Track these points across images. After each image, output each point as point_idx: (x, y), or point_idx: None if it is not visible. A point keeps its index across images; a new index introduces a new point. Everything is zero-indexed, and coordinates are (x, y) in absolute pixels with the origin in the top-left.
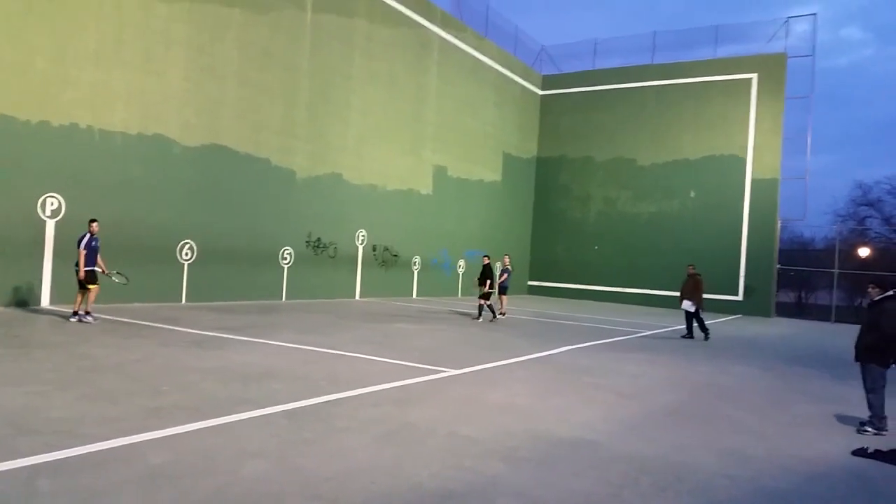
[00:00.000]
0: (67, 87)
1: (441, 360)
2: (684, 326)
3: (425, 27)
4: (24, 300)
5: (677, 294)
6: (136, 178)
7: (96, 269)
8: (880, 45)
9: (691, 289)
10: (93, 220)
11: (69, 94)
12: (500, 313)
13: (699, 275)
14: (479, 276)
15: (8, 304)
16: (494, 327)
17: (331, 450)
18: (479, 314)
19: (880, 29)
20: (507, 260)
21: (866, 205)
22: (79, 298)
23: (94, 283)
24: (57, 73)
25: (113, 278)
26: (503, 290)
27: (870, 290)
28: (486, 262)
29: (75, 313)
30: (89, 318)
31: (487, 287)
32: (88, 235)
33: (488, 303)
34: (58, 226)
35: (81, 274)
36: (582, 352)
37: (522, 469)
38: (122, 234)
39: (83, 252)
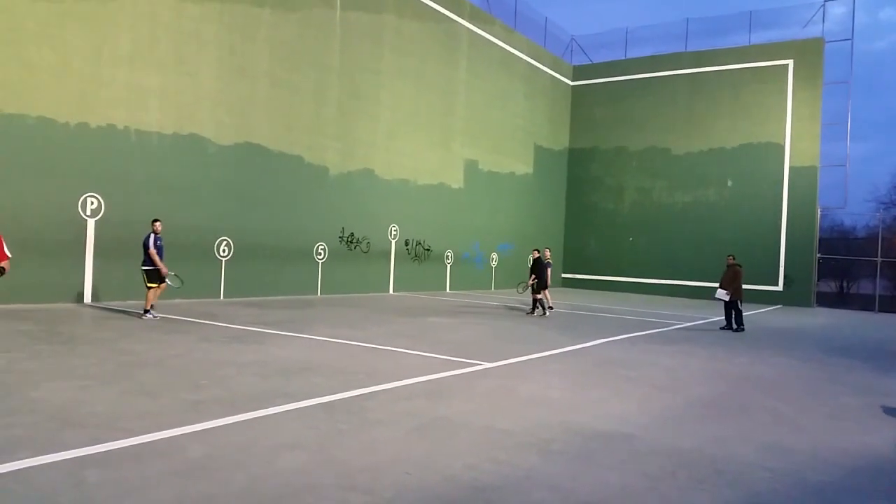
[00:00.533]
0: (103, 87)
1: (474, 354)
2: (722, 318)
3: (454, 21)
4: (68, 297)
5: (714, 285)
6: (173, 177)
7: (155, 268)
8: None
9: (730, 279)
10: (156, 220)
11: (105, 94)
12: (549, 307)
13: (739, 265)
14: (531, 271)
15: (52, 301)
16: (530, 321)
17: (365, 442)
18: (534, 309)
19: None
20: (547, 253)
21: None
22: (150, 296)
23: (161, 281)
24: (93, 74)
25: (168, 281)
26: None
27: None
28: (536, 255)
29: (146, 311)
30: (148, 316)
31: (531, 281)
32: (154, 235)
33: (540, 297)
34: (98, 224)
35: (164, 270)
36: (616, 344)
37: (557, 462)
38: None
39: (154, 251)
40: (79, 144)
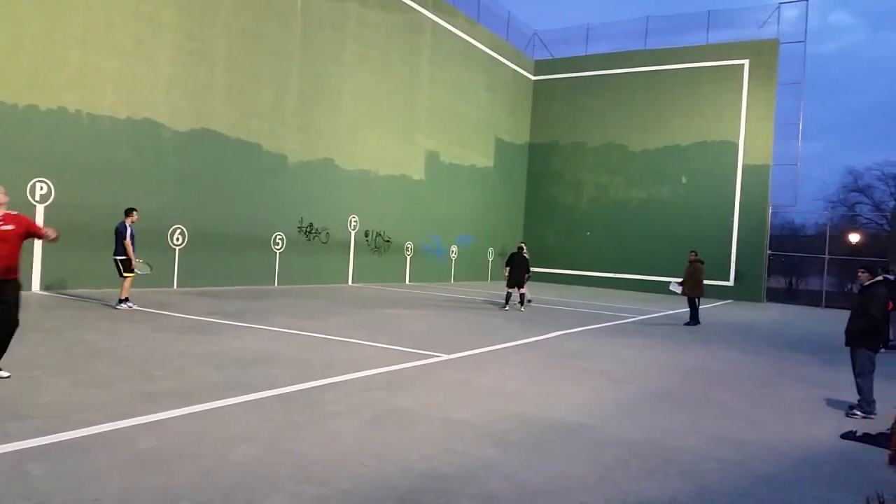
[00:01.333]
0: (55, 69)
1: (433, 345)
2: (685, 312)
3: (417, 11)
4: None
5: (669, 279)
6: (126, 163)
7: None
8: (869, 30)
9: (688, 275)
10: (133, 210)
11: (57, 76)
12: (528, 301)
13: (700, 261)
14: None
15: None
16: (489, 313)
17: (322, 434)
18: (521, 302)
19: (868, 14)
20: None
21: (857, 191)
22: (126, 285)
23: (130, 272)
24: (45, 55)
25: (136, 270)
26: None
27: (860, 275)
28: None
29: (122, 300)
30: (124, 306)
31: (508, 275)
32: (130, 225)
33: (522, 290)
34: (47, 210)
35: (133, 263)
36: (574, 336)
37: (513, 452)
38: (112, 219)
39: (129, 241)
40: (28, 127)
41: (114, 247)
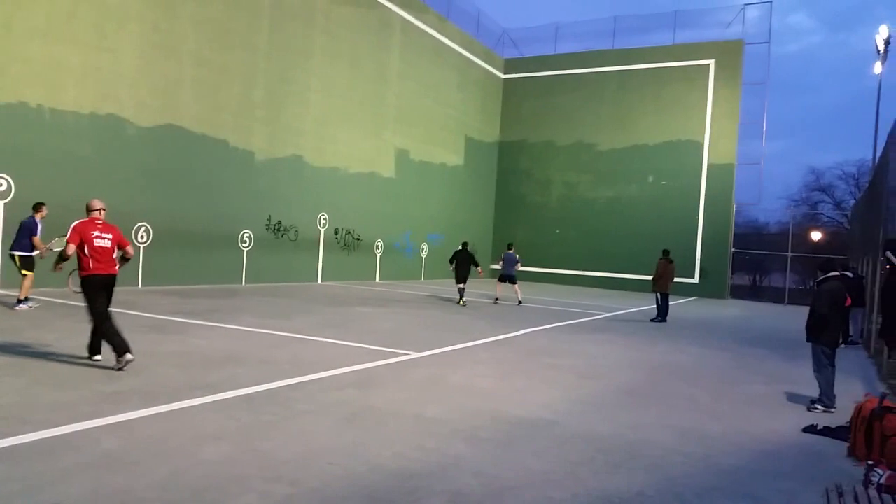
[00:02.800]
0: (15, 62)
1: (403, 343)
2: (654, 308)
3: (386, 7)
4: None
5: (636, 277)
6: (89, 159)
7: (33, 254)
8: (827, 32)
9: (656, 272)
10: (42, 204)
11: (17, 70)
12: (519, 302)
13: (668, 260)
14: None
15: None
16: (458, 311)
17: (291, 433)
18: (461, 297)
19: (827, 16)
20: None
21: (819, 190)
22: (27, 284)
23: (31, 269)
24: (4, 47)
25: (55, 248)
26: (514, 279)
27: (817, 272)
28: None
29: (21, 300)
30: (24, 306)
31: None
32: (40, 221)
33: (461, 286)
34: (7, 207)
35: (44, 251)
36: (542, 334)
37: (483, 449)
38: (74, 216)
39: (38, 238)
40: None
41: (14, 241)
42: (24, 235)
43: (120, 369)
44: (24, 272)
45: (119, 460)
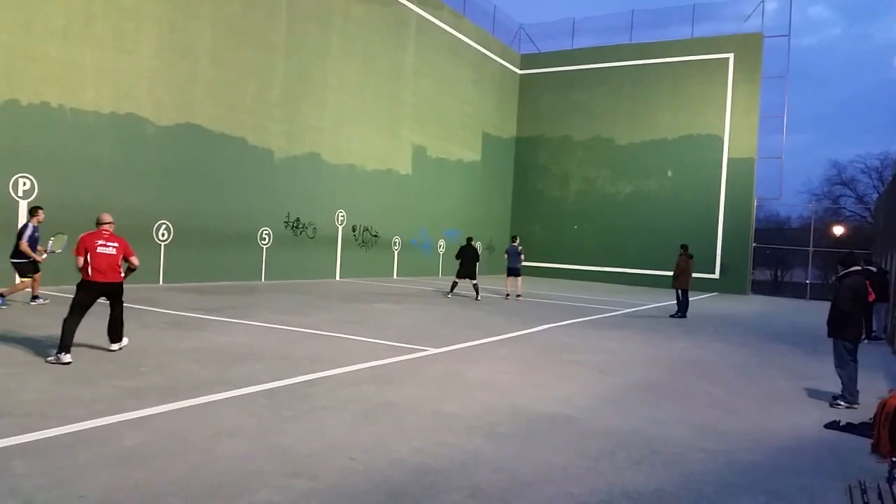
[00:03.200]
0: (35, 63)
1: (421, 339)
2: (672, 304)
3: (402, 4)
4: None
5: (655, 272)
6: (110, 158)
7: (27, 261)
8: (847, 24)
9: (676, 267)
10: (39, 208)
11: (37, 70)
12: (517, 295)
13: (688, 255)
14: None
15: None
16: (476, 307)
17: (310, 428)
18: (476, 292)
19: (846, 8)
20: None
21: (841, 184)
22: (33, 284)
23: (28, 275)
24: (23, 48)
25: (55, 250)
26: (517, 272)
27: (838, 267)
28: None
29: (35, 297)
30: (40, 301)
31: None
32: (33, 226)
33: (475, 281)
34: (31, 206)
35: (40, 259)
36: (561, 330)
37: (502, 444)
38: (96, 215)
39: (26, 244)
40: (9, 122)
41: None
42: (17, 241)
43: (52, 363)
44: (22, 280)
45: (139, 455)
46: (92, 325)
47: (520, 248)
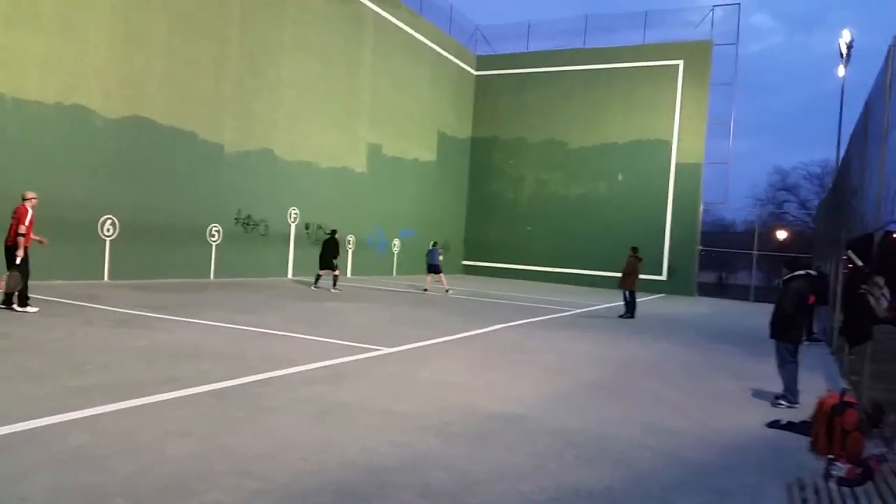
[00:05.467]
0: None
1: (374, 339)
2: (622, 304)
3: (359, 2)
4: None
5: (606, 273)
6: (54, 150)
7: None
8: (788, 33)
9: (624, 268)
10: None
11: None
12: (446, 290)
13: (637, 257)
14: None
15: None
16: (430, 306)
17: (261, 428)
18: (334, 283)
19: (788, 17)
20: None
21: (784, 189)
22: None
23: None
24: None
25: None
26: (437, 269)
27: (783, 270)
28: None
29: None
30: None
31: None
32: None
33: (336, 272)
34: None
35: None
36: (513, 329)
37: (454, 444)
38: (39, 208)
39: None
40: None
41: None
42: None
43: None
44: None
45: (85, 456)
46: (41, 322)
47: (440, 251)
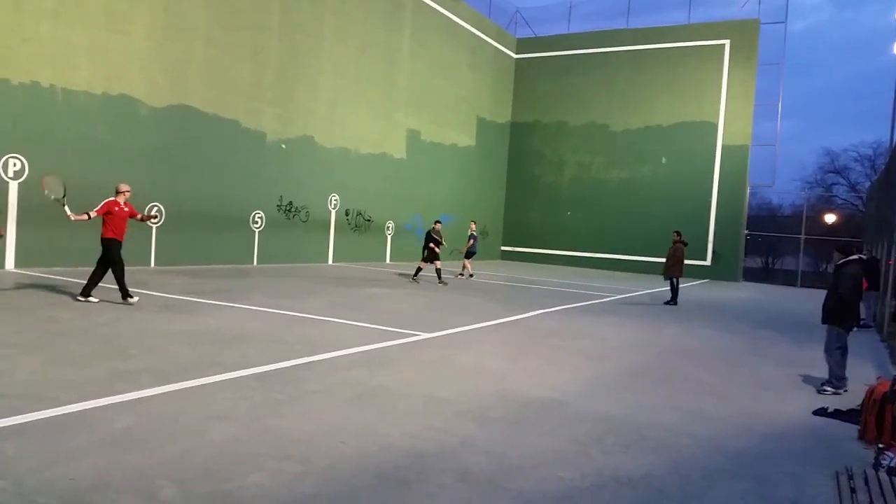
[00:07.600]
0: (26, 42)
1: (414, 324)
2: (664, 291)
3: None
4: None
5: (648, 259)
6: (101, 139)
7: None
8: (836, 8)
9: (669, 255)
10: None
11: (29, 50)
12: (469, 275)
13: (682, 243)
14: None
15: None
16: (469, 292)
17: (302, 412)
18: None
19: None
20: (473, 226)
21: (833, 172)
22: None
23: None
24: (14, 27)
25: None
26: (470, 254)
27: (834, 254)
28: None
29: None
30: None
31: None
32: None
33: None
34: (21, 187)
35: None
36: (553, 315)
37: (493, 429)
38: (87, 196)
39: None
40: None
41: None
42: None
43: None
44: None
45: (131, 438)
46: (86, 307)
47: (476, 235)
